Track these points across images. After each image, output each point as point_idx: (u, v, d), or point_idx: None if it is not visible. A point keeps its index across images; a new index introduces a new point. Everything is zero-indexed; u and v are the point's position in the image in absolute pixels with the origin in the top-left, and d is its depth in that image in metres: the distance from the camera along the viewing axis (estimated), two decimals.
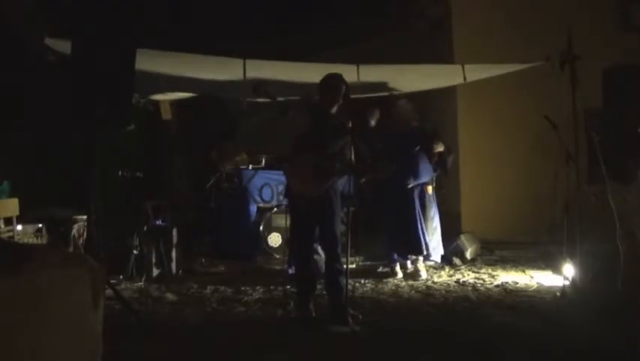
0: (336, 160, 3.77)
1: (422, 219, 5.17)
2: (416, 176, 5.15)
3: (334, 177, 3.81)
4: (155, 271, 5.16)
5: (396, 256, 5.28)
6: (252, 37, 8.06)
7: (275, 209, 6.36)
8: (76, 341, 1.93)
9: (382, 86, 6.33)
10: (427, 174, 5.26)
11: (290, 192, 3.94)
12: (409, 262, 5.29)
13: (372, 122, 5.41)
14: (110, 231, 6.07)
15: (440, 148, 5.37)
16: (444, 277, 5.24)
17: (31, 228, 5.27)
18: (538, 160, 6.24)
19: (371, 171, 4.08)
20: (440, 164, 5.46)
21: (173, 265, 5.45)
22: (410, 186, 5.14)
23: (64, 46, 4.23)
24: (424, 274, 5.15)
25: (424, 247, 5.11)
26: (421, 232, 5.11)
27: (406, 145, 5.18)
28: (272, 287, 4.85)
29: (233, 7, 8.40)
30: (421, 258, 5.25)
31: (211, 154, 6.68)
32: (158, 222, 6.46)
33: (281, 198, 6.25)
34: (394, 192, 5.11)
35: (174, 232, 5.68)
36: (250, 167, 6.55)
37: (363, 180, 4.44)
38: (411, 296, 4.51)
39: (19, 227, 5.09)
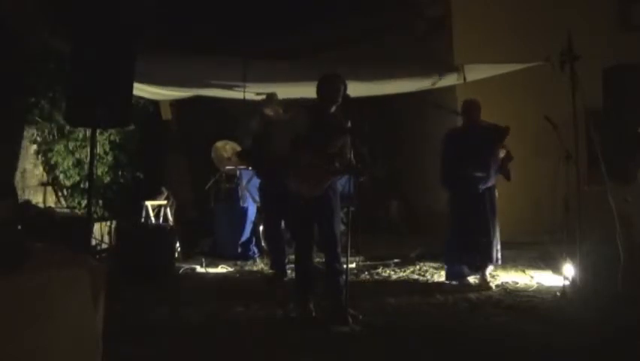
0: (335, 160, 3.77)
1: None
2: (490, 176, 4.77)
3: (334, 177, 3.81)
4: (156, 271, 5.16)
5: (466, 269, 4.85)
6: (252, 38, 8.06)
7: None
8: (76, 341, 1.92)
9: (382, 86, 6.35)
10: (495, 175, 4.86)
11: (289, 192, 3.94)
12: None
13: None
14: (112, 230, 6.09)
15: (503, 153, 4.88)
16: (444, 277, 5.22)
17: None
18: (538, 160, 6.24)
19: (370, 171, 4.07)
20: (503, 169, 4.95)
21: (175, 265, 5.46)
22: (485, 187, 4.76)
23: (64, 46, 4.23)
24: (492, 285, 4.78)
25: (494, 254, 4.80)
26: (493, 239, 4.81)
27: (481, 143, 4.75)
28: (272, 287, 4.87)
29: (233, 8, 8.41)
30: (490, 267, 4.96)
31: (211, 154, 6.69)
32: (159, 222, 6.48)
33: None
34: (474, 195, 4.72)
35: (174, 231, 5.69)
36: (250, 167, 6.54)
37: (362, 178, 4.42)
38: (411, 296, 4.51)
39: (19, 227, 5.08)
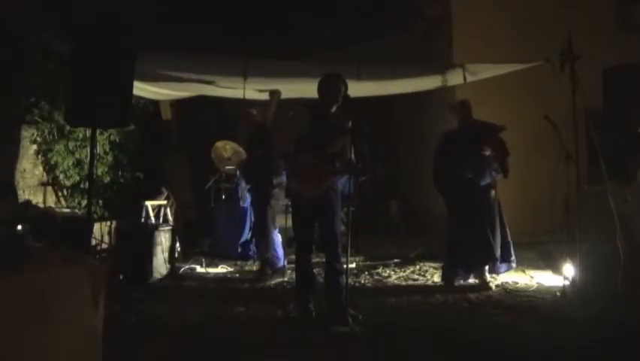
0: (335, 160, 3.77)
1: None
2: (485, 175, 4.71)
3: (334, 177, 3.81)
4: (156, 271, 5.16)
5: (463, 269, 4.81)
6: (253, 37, 8.06)
7: None
8: (77, 340, 1.93)
9: (382, 86, 6.34)
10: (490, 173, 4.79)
11: (290, 191, 3.95)
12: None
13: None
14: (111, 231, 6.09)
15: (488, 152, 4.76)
16: (441, 277, 5.21)
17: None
18: (538, 160, 6.24)
19: (370, 171, 4.06)
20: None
21: (173, 265, 5.46)
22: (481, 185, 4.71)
23: (64, 46, 4.23)
24: (492, 285, 4.74)
25: (497, 254, 4.73)
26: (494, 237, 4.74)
27: (480, 143, 4.72)
28: (272, 287, 4.87)
29: (234, 7, 8.41)
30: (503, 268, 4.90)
31: (211, 155, 6.69)
32: (159, 222, 6.48)
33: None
34: (467, 195, 4.67)
35: (175, 231, 5.68)
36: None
37: (362, 178, 4.42)
38: (411, 296, 4.51)
39: (19, 227, 5.08)
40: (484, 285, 4.71)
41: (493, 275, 4.95)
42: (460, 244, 4.73)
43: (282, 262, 5.28)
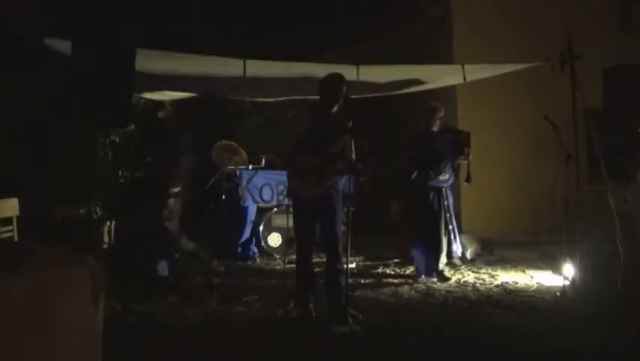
0: (336, 160, 3.78)
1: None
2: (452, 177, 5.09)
3: (335, 177, 3.82)
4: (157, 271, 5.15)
5: (436, 264, 5.01)
6: (252, 37, 8.06)
7: (275, 209, 6.36)
8: (77, 341, 1.92)
9: (382, 86, 6.34)
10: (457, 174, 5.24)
11: (291, 191, 3.95)
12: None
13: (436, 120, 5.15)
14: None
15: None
16: (424, 272, 5.22)
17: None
18: (538, 160, 6.24)
19: (371, 171, 4.07)
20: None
21: (173, 265, 5.45)
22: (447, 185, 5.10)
23: (64, 46, 4.23)
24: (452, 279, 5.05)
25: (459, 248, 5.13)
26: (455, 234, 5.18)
27: (446, 145, 5.06)
28: (272, 287, 4.87)
29: (233, 7, 8.41)
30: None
31: (210, 154, 6.68)
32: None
33: (281, 198, 6.25)
34: (432, 193, 5.01)
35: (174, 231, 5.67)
36: (250, 167, 6.55)
37: (363, 178, 4.44)
38: (411, 296, 4.51)
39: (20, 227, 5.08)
40: (444, 279, 4.95)
41: (492, 274, 5.00)
42: (433, 243, 4.96)
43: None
